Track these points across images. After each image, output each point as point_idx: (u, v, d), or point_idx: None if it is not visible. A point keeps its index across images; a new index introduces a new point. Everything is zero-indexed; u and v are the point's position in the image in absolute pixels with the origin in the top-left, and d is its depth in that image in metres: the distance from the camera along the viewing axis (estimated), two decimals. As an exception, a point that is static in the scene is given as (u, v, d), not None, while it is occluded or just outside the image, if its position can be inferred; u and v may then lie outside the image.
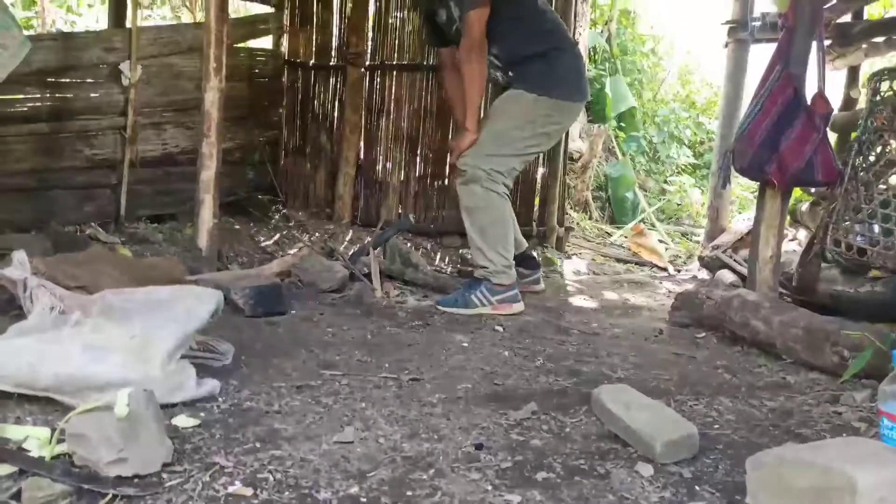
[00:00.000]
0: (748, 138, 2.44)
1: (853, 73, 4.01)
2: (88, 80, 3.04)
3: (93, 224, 3.02)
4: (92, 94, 3.05)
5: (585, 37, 7.01)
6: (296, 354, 1.99)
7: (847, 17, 3.93)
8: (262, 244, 3.71)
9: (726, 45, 4.22)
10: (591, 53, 7.50)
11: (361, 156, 4.74)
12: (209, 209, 2.85)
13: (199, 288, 1.92)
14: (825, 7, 3.57)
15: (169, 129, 3.46)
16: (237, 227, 3.91)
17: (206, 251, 2.84)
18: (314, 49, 4.70)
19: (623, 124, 6.91)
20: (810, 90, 2.49)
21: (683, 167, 7.27)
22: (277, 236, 3.95)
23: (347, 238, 4.25)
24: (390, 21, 4.63)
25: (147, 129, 3.33)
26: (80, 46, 2.97)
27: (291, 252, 3.40)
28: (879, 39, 3.54)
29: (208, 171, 2.84)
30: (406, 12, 4.61)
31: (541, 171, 4.68)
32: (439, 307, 2.72)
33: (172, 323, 1.63)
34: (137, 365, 1.50)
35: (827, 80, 2.47)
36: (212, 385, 1.60)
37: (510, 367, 2.03)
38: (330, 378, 1.80)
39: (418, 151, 4.75)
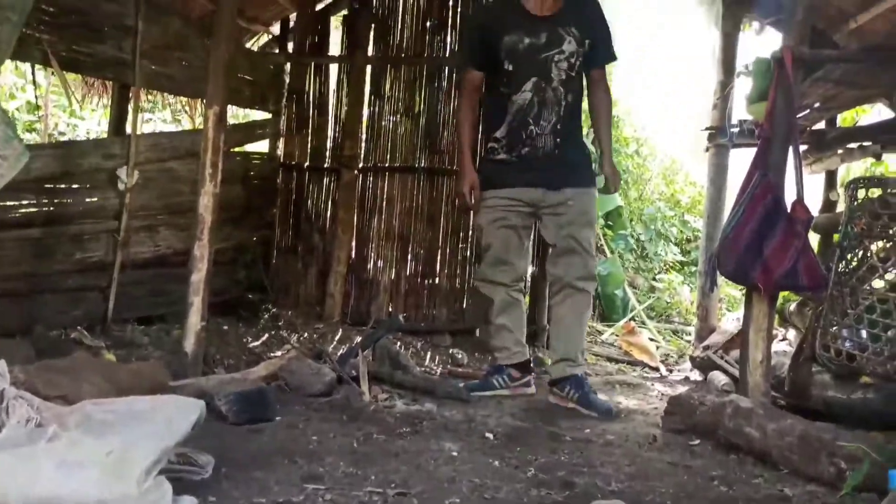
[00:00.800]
0: (732, 244, 2.49)
1: (831, 176, 4.15)
2: (85, 186, 3.10)
3: (79, 327, 2.98)
4: (88, 200, 3.10)
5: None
6: (279, 466, 1.93)
7: (821, 125, 4.11)
8: (250, 345, 3.67)
9: (707, 150, 4.38)
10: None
11: (353, 255, 4.78)
12: (198, 312, 2.84)
13: (181, 398, 1.89)
14: (799, 116, 3.75)
15: (162, 231, 3.49)
16: (226, 327, 3.88)
17: (193, 355, 2.80)
18: (309, 152, 4.84)
19: (611, 223, 7.05)
20: (790, 196, 2.56)
21: (672, 264, 7.36)
22: (266, 337, 3.92)
23: (337, 338, 4.21)
24: (383, 125, 4.81)
25: (140, 231, 3.37)
26: (79, 154, 3.05)
27: (279, 354, 3.36)
28: (853, 146, 3.68)
29: (199, 274, 2.85)
30: (398, 117, 4.80)
31: (531, 268, 4.73)
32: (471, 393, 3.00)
33: (152, 436, 1.59)
34: (113, 483, 1.45)
35: (805, 187, 2.55)
36: (188, 503, 1.54)
37: (501, 478, 1.97)
38: (312, 493, 1.74)
39: (409, 250, 4.81)
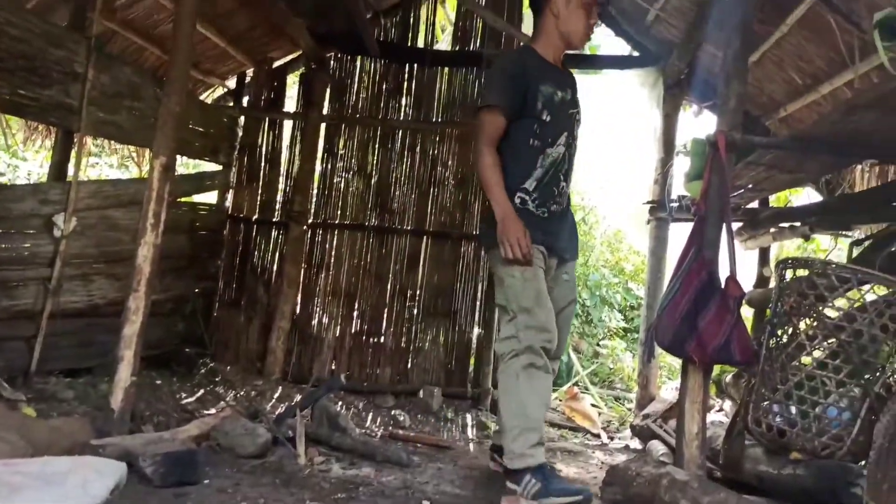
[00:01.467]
0: (669, 316, 2.55)
1: (764, 253, 4.34)
2: (18, 231, 2.98)
3: (-1, 379, 2.82)
4: (20, 245, 2.98)
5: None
6: (202, 535, 1.83)
7: (755, 204, 4.31)
8: (184, 402, 3.53)
9: (648, 222, 4.52)
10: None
11: (298, 310, 4.72)
12: (129, 366, 2.72)
13: (102, 459, 1.79)
14: (733, 195, 3.93)
15: (98, 280, 3.38)
16: (159, 381, 3.73)
17: (120, 412, 2.67)
18: (258, 205, 4.82)
19: (557, 287, 7.14)
20: (724, 273, 2.65)
21: (615, 331, 7.47)
22: (201, 393, 3.78)
23: (276, 396, 4.10)
24: (335, 182, 4.83)
25: (74, 280, 3.25)
26: (14, 198, 2.95)
27: (213, 412, 3.23)
28: (784, 225, 3.87)
29: (132, 327, 2.75)
30: (350, 175, 4.83)
31: (476, 330, 4.74)
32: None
33: (64, 501, 1.50)
34: (15, 555, 1.35)
35: (738, 263, 2.65)
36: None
37: (435, 551, 1.91)
38: (236, 566, 1.65)
39: (356, 307, 4.77)
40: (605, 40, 5.95)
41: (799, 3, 3.04)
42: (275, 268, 4.75)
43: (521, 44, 2.86)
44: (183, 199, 4.35)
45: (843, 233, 3.61)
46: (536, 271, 2.56)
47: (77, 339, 3.32)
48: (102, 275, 3.40)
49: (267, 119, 4.84)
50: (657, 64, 4.57)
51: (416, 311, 4.73)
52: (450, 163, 4.79)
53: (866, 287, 2.29)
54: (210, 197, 4.84)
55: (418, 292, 4.75)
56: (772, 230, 4.01)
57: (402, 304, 4.75)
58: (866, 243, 3.10)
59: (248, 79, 4.96)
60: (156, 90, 3.55)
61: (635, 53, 4.72)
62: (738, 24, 2.74)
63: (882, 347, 2.28)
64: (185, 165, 6.01)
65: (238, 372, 4.41)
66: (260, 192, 4.81)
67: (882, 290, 2.29)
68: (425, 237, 4.76)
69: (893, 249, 2.66)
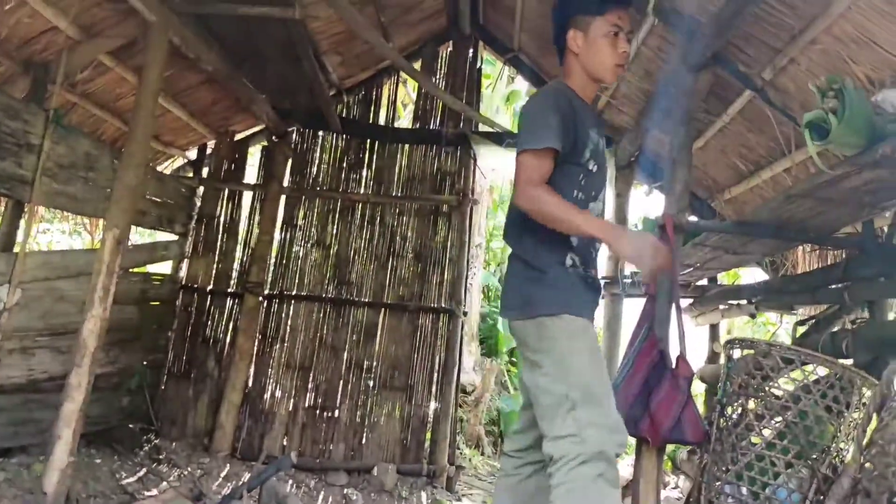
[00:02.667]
0: (622, 395, 2.56)
1: (714, 329, 4.44)
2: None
3: (-78, 460, 2.66)
4: (-42, 318, 2.87)
5: (479, 276, 7.52)
6: None
7: (705, 280, 4.45)
8: (124, 482, 3.36)
9: (603, 297, 4.60)
10: (486, 291, 7.97)
11: (249, 383, 4.60)
12: (66, 446, 2.60)
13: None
14: (683, 273, 4.05)
15: (39, 353, 3.25)
16: (98, 460, 3.56)
17: (53, 495, 2.53)
18: (214, 275, 4.75)
19: (514, 359, 7.16)
20: (674, 351, 2.70)
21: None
22: (143, 472, 3.61)
23: (223, 474, 3.94)
24: (293, 253, 4.81)
25: (14, 353, 3.12)
26: (-44, 269, 2.86)
27: (154, 493, 3.09)
28: (732, 303, 3.98)
29: (73, 404, 2.64)
30: (309, 246, 4.83)
31: (433, 405, 4.68)
32: None
33: None
34: None
35: (688, 340, 2.70)
36: None
37: None
38: None
39: (310, 380, 4.67)
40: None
41: (739, 95, 3.23)
42: (227, 339, 4.66)
43: (554, 80, 2.19)
44: (135, 270, 4.27)
45: (788, 312, 3.73)
46: (596, 345, 2.03)
47: (13, 416, 3.16)
48: (46, 348, 3.28)
49: (226, 190, 4.85)
50: (609, 146, 4.75)
51: (371, 385, 4.66)
52: (409, 235, 4.84)
53: (810, 367, 2.36)
54: (164, 266, 4.76)
55: (375, 364, 4.70)
56: (720, 307, 4.12)
57: (357, 378, 4.68)
58: (809, 323, 3.20)
59: (209, 150, 4.99)
60: (113, 160, 3.54)
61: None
62: (682, 117, 2.90)
63: (827, 427, 2.33)
64: (140, 234, 5.92)
65: (184, 448, 4.24)
66: (216, 262, 4.76)
67: (824, 371, 2.36)
68: (383, 309, 4.74)
69: (834, 331, 2.75)
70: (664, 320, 2.73)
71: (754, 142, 3.57)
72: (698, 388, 5.69)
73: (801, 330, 3.21)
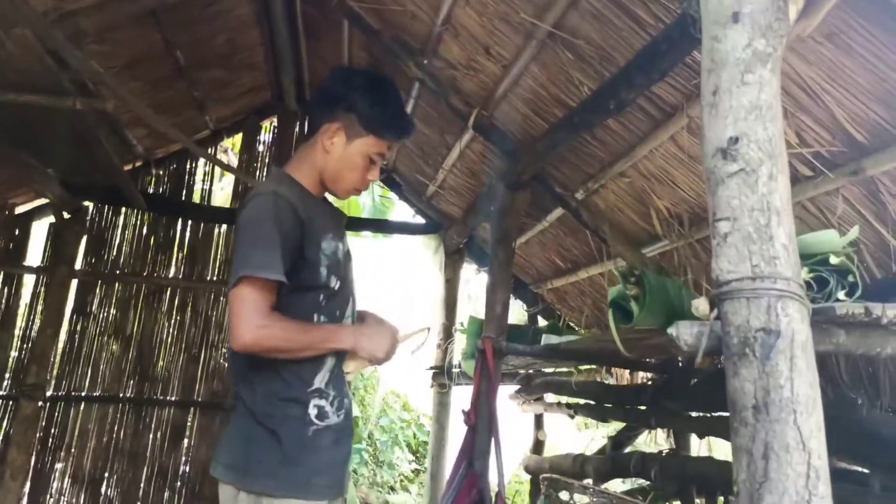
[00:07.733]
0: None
1: (539, 419, 4.48)
2: None
3: None
4: None
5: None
6: None
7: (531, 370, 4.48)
8: None
9: (432, 387, 4.49)
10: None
11: (25, 504, 3.91)
12: None
13: None
14: (509, 364, 4.05)
15: None
16: None
17: None
18: (-19, 376, 4.02)
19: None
20: (494, 483, 2.60)
21: (406, 475, 7.29)
22: None
23: None
24: (84, 348, 4.21)
25: None
26: None
27: None
28: (553, 401, 4.04)
29: None
30: (106, 338, 4.26)
31: None
32: None
33: None
34: None
35: (505, 478, 2.62)
36: None
37: None
38: None
39: (102, 494, 4.07)
40: (398, 203, 6.12)
41: (556, 206, 3.28)
42: (-3, 454, 3.94)
43: (272, 170, 1.77)
44: None
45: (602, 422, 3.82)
46: None
47: None
48: None
49: (2, 273, 4.16)
50: (439, 231, 4.71)
51: (177, 497, 4.15)
52: (225, 324, 4.43)
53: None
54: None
55: (184, 470, 4.20)
56: (545, 399, 4.16)
57: (161, 489, 4.15)
58: (621, 431, 3.28)
59: (-18, 225, 4.27)
60: None
61: (420, 220, 4.84)
62: (501, 235, 2.87)
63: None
64: None
65: None
66: (-16, 360, 4.04)
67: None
68: (193, 408, 4.27)
69: (646, 453, 2.81)
70: (484, 453, 2.63)
71: (571, 245, 3.66)
72: (523, 478, 5.77)
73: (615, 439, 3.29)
